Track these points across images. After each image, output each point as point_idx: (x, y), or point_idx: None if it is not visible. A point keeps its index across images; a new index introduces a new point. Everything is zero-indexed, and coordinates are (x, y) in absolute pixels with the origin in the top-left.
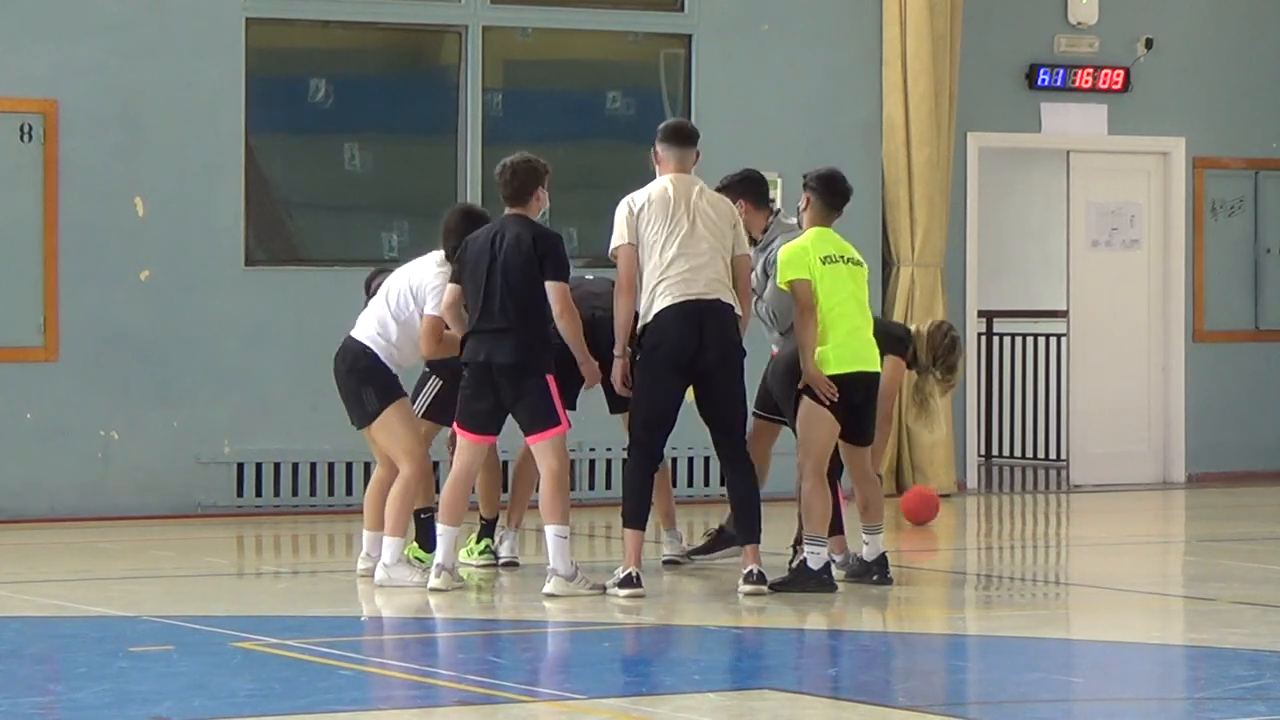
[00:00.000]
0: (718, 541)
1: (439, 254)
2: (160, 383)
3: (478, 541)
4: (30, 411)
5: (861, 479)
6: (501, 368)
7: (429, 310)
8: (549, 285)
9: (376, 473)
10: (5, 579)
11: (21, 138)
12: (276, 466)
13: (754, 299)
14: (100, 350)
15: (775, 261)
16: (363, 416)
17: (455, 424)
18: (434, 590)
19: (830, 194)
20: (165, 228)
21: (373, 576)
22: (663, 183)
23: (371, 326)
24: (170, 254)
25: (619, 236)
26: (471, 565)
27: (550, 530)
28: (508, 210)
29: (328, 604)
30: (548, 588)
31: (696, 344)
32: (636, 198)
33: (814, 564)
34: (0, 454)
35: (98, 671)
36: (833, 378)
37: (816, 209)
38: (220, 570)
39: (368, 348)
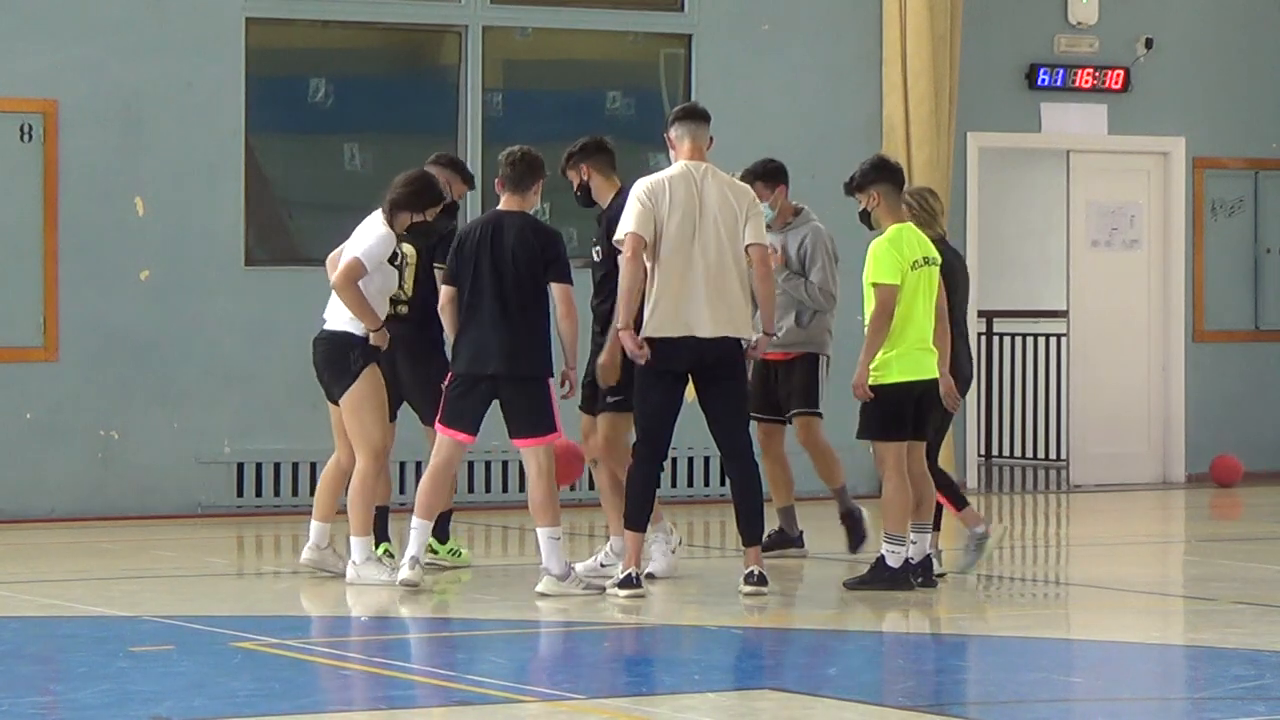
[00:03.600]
0: (776, 542)
1: (379, 215)
2: (160, 383)
3: (442, 543)
4: (30, 411)
5: (915, 476)
6: (502, 375)
7: (353, 251)
8: (555, 287)
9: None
10: (5, 579)
11: (21, 138)
12: (276, 466)
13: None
14: (100, 350)
15: (808, 252)
16: (348, 379)
17: (437, 421)
18: (405, 582)
19: (895, 176)
20: (165, 228)
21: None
22: (677, 171)
23: (340, 308)
24: (170, 254)
25: (627, 224)
26: (445, 564)
27: (542, 532)
28: (505, 201)
29: (328, 604)
30: (540, 587)
31: (694, 352)
32: (654, 189)
33: (892, 562)
34: (0, 454)
35: (98, 671)
36: (894, 385)
37: (890, 201)
38: (220, 570)
39: (351, 334)
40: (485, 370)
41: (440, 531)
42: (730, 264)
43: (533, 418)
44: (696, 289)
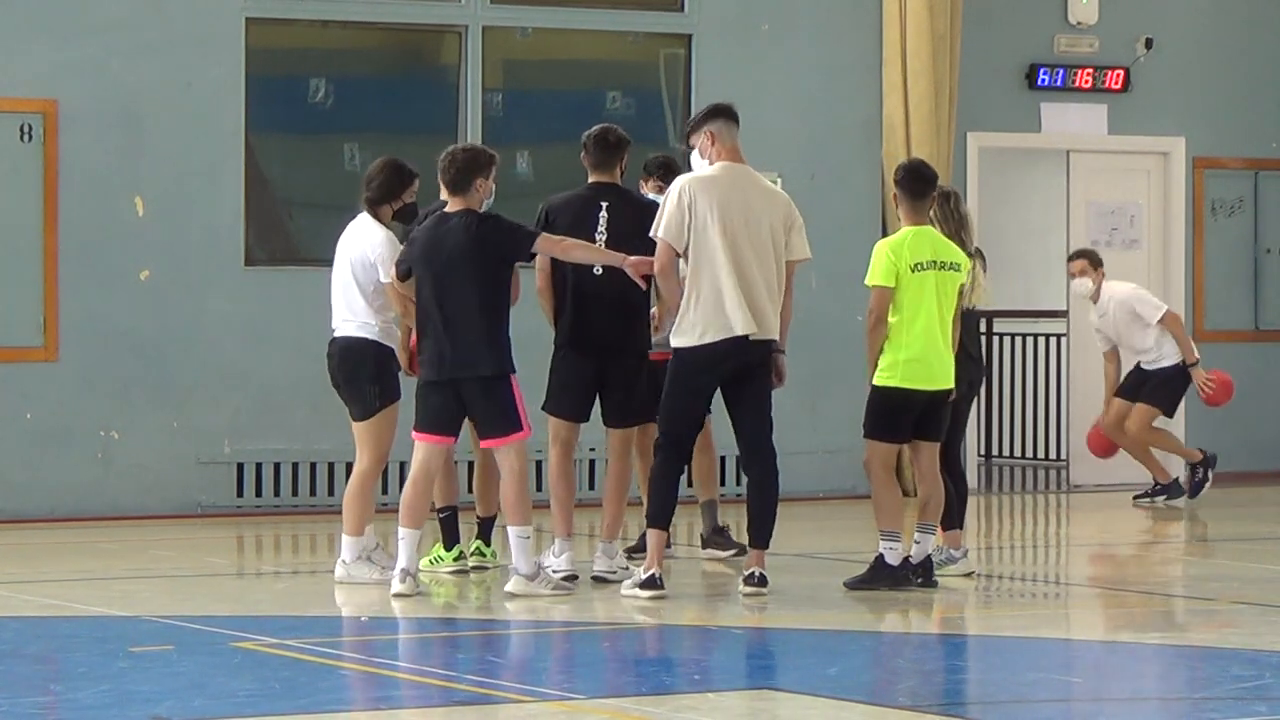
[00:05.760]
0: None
1: (366, 217)
2: (160, 383)
3: (473, 540)
4: (30, 411)
5: (924, 476)
6: (464, 380)
7: (384, 279)
8: (536, 245)
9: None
10: (5, 579)
11: (21, 138)
12: (276, 466)
13: None
14: (100, 350)
15: None
16: (365, 411)
17: (414, 428)
18: (397, 595)
19: (915, 182)
20: (165, 228)
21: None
22: (720, 172)
23: (349, 315)
24: (170, 254)
25: (661, 226)
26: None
27: (512, 530)
28: (451, 203)
29: (328, 604)
30: (509, 586)
31: (735, 356)
32: (694, 188)
33: (891, 559)
34: (0, 454)
35: (98, 671)
36: (895, 390)
37: (905, 203)
38: (220, 570)
39: (368, 340)
40: (443, 376)
41: (485, 535)
42: (769, 268)
43: (498, 418)
44: (733, 292)
